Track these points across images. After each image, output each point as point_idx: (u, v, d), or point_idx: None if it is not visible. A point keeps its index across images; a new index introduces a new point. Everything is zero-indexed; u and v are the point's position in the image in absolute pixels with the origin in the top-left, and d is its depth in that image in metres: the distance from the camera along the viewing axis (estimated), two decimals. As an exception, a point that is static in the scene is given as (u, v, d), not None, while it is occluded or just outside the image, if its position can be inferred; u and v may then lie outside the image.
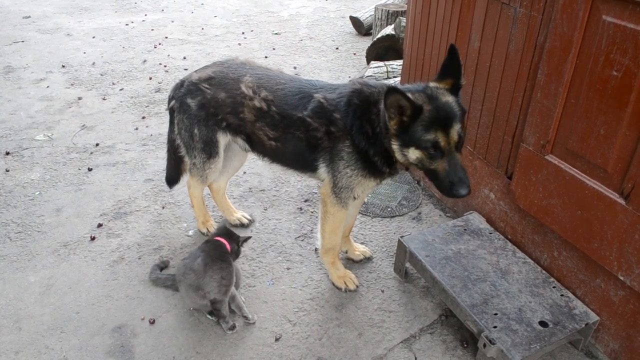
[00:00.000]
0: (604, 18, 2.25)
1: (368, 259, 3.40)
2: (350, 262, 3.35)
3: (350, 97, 2.64)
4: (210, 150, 3.07)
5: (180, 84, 3.06)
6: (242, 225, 3.63)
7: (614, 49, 2.23)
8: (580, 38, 2.39)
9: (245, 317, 2.89)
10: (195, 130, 3.02)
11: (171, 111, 3.14)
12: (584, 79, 2.40)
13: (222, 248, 2.86)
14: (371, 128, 2.57)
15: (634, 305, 2.44)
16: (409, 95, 2.27)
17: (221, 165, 3.20)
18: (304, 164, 2.88)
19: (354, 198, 2.85)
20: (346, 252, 3.40)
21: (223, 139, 3.05)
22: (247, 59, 3.16)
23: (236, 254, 2.94)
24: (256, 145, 3.00)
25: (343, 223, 2.99)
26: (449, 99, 2.38)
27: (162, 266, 3.23)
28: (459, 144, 2.38)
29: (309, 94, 2.77)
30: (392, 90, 2.23)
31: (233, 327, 2.83)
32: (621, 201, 2.33)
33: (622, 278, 2.42)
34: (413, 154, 2.41)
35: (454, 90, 2.42)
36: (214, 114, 2.95)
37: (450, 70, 2.42)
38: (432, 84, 2.45)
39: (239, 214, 3.67)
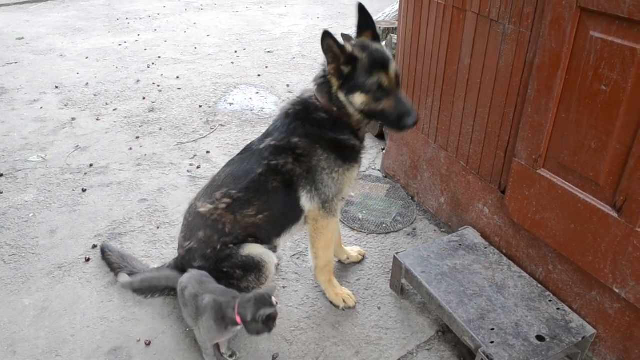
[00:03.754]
0: (592, 34, 2.28)
1: (364, 257, 3.54)
2: (345, 279, 3.34)
3: (289, 111, 2.80)
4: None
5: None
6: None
7: (602, 64, 2.26)
8: (568, 54, 2.42)
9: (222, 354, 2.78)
10: None
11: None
12: (574, 94, 2.43)
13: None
14: (318, 111, 2.70)
15: (630, 318, 2.45)
16: (346, 46, 2.51)
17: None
18: (296, 209, 2.87)
19: (343, 199, 2.92)
20: (347, 259, 3.45)
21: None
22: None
23: (248, 327, 2.47)
24: (262, 233, 2.88)
25: (336, 233, 2.99)
26: (377, 45, 2.60)
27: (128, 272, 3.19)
28: (398, 81, 2.60)
29: (252, 150, 2.89)
30: (326, 34, 2.41)
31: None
32: (614, 214, 2.35)
33: (617, 290, 2.43)
34: (359, 98, 2.58)
35: (375, 40, 2.65)
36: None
37: (365, 25, 2.66)
38: (355, 37, 2.68)
39: None
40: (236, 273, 2.79)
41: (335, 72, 2.56)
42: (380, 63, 2.53)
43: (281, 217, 2.88)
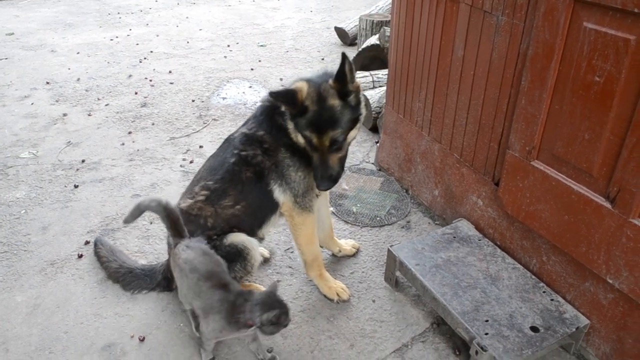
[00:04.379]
0: (585, 25, 2.28)
1: (358, 251, 3.53)
2: (339, 272, 3.34)
3: (263, 107, 2.85)
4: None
5: None
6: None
7: (595, 54, 2.25)
8: (562, 45, 2.41)
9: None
10: None
11: None
12: (567, 85, 2.42)
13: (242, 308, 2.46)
14: (283, 120, 2.73)
15: (624, 308, 2.46)
16: (301, 94, 2.54)
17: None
18: (271, 199, 2.88)
19: (317, 196, 2.93)
20: (339, 252, 3.45)
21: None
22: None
23: (262, 330, 2.42)
24: (244, 224, 2.89)
25: (315, 228, 3.01)
26: (334, 103, 2.56)
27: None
28: (332, 146, 2.61)
29: (229, 140, 2.96)
30: (292, 90, 2.54)
31: None
32: (607, 205, 2.35)
33: (610, 281, 2.43)
34: (300, 139, 2.67)
35: (344, 94, 2.57)
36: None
37: (340, 76, 2.54)
38: (330, 81, 2.58)
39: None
40: None
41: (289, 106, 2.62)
42: (319, 125, 2.56)
43: (259, 207, 2.90)
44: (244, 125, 2.95)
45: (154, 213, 2.68)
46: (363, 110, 2.69)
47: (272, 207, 2.92)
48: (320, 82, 2.59)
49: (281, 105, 2.65)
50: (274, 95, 2.51)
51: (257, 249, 2.91)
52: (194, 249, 2.61)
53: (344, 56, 2.49)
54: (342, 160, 2.74)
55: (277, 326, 2.41)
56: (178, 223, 2.67)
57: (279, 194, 2.86)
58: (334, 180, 2.70)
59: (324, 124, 2.56)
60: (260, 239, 3.02)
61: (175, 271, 2.69)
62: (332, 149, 2.63)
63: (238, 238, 2.83)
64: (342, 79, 2.53)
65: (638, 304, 2.35)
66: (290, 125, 2.69)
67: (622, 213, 2.29)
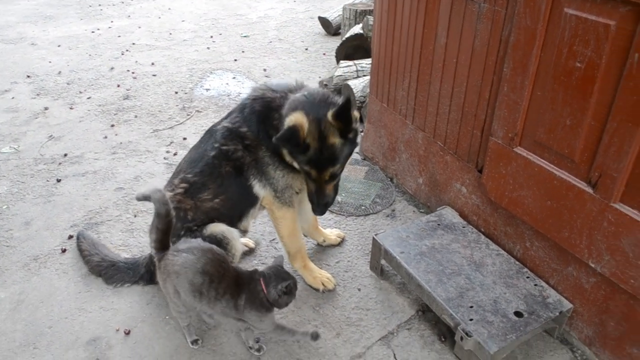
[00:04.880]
0: (566, 11, 2.28)
1: (343, 240, 3.54)
2: (325, 262, 3.34)
3: (252, 104, 2.77)
4: None
5: None
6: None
7: (576, 40, 2.26)
8: (543, 31, 2.42)
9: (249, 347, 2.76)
10: None
11: None
12: (549, 71, 2.43)
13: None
14: (275, 132, 2.63)
15: (605, 292, 2.48)
16: (302, 132, 2.48)
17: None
18: (250, 194, 2.88)
19: (297, 193, 2.93)
20: (324, 242, 3.46)
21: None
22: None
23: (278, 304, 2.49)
24: (224, 217, 2.88)
25: (296, 221, 3.02)
26: (336, 141, 2.55)
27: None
28: (331, 179, 2.68)
29: (211, 131, 2.93)
30: (293, 128, 2.46)
31: (314, 335, 2.63)
32: (589, 190, 2.37)
33: (592, 265, 2.46)
34: (297, 165, 2.70)
35: (345, 132, 2.55)
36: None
37: (343, 116, 2.50)
38: (329, 116, 2.51)
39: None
40: None
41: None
42: (320, 163, 2.59)
43: (238, 201, 2.89)
44: (227, 117, 2.92)
45: (157, 209, 2.49)
46: (360, 139, 2.66)
47: (251, 201, 2.91)
48: (320, 117, 2.52)
49: (287, 149, 2.64)
50: (281, 141, 2.49)
51: (238, 239, 2.89)
52: (188, 250, 2.48)
53: (347, 92, 2.45)
54: (337, 186, 2.79)
55: (290, 296, 2.47)
56: (169, 232, 2.56)
57: (259, 189, 2.86)
58: (329, 205, 2.79)
59: (324, 162, 2.59)
60: (242, 232, 3.01)
61: (168, 282, 2.52)
62: (329, 181, 2.68)
63: (218, 228, 2.81)
64: (345, 119, 2.50)
65: (619, 287, 2.37)
66: (286, 153, 2.70)
67: (603, 198, 2.31)
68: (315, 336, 2.61)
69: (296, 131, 2.46)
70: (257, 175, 2.82)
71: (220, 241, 2.79)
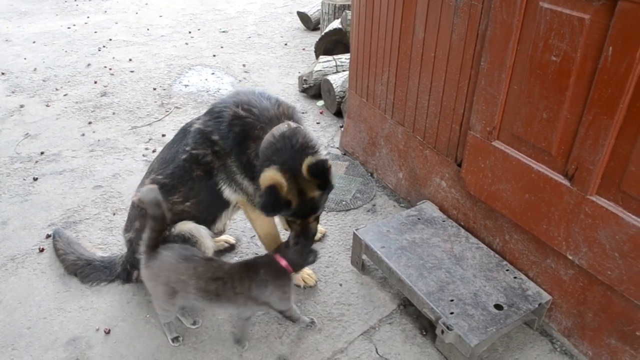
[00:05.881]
0: (541, 5, 2.30)
1: (324, 235, 3.54)
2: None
3: (232, 122, 2.65)
4: None
5: None
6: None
7: (552, 34, 2.28)
8: (519, 25, 2.43)
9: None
10: None
11: None
12: (525, 65, 2.45)
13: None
14: (247, 159, 2.64)
15: (583, 283, 2.52)
16: (282, 191, 2.42)
17: None
18: (222, 197, 2.83)
19: None
20: None
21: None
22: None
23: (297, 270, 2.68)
24: (196, 220, 2.85)
25: (272, 220, 2.99)
26: (315, 194, 2.51)
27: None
28: (314, 220, 2.70)
29: (185, 131, 2.84)
30: (273, 188, 2.41)
31: (313, 323, 2.86)
32: (566, 182, 2.40)
33: (570, 257, 2.49)
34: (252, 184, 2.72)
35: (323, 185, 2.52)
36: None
37: (319, 176, 2.47)
38: (304, 172, 2.43)
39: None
40: None
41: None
42: (304, 214, 2.59)
43: (210, 205, 2.85)
44: (202, 116, 2.83)
45: (150, 210, 2.47)
46: (335, 180, 2.65)
47: (223, 204, 2.87)
48: (296, 172, 2.44)
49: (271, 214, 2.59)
50: (265, 208, 2.43)
51: (207, 236, 2.84)
52: (189, 259, 2.55)
53: (321, 162, 2.46)
54: (319, 217, 2.78)
55: (312, 253, 2.66)
56: (163, 232, 2.58)
57: (230, 194, 2.81)
58: (315, 236, 2.77)
59: (307, 213, 2.59)
60: (216, 234, 3.00)
61: (159, 282, 2.54)
62: (312, 221, 2.69)
63: (185, 227, 2.78)
64: (321, 178, 2.47)
65: (597, 278, 2.41)
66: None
67: (580, 190, 2.33)
68: (312, 324, 2.83)
69: (277, 192, 2.40)
70: (226, 181, 2.77)
71: (188, 240, 2.77)
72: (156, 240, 2.52)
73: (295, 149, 2.47)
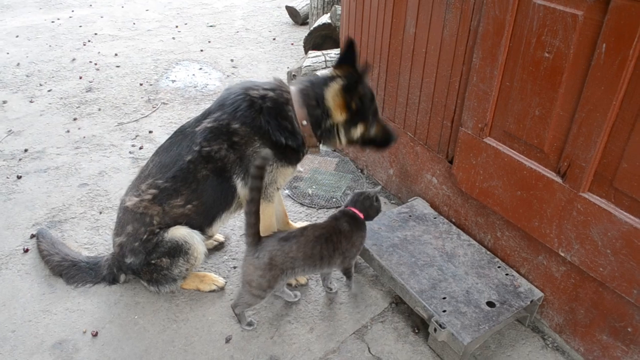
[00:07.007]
0: (534, 1, 2.28)
1: None
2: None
3: (255, 104, 2.67)
4: None
5: None
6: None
7: (544, 31, 2.26)
8: (512, 21, 2.41)
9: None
10: None
11: None
12: (518, 62, 2.43)
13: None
14: (290, 124, 2.68)
15: (575, 280, 2.51)
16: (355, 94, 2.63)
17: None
18: (227, 196, 2.81)
19: (278, 189, 2.88)
20: None
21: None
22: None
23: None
24: (193, 223, 2.84)
25: (273, 217, 2.97)
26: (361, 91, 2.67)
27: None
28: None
29: (185, 133, 2.80)
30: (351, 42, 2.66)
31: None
32: (558, 179, 2.39)
33: (562, 254, 2.48)
34: (359, 129, 2.75)
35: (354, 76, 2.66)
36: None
37: (350, 59, 2.69)
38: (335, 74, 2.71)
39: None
40: (163, 261, 2.79)
41: (342, 108, 2.67)
42: (372, 94, 2.73)
43: (212, 205, 2.82)
44: (205, 117, 2.76)
45: (246, 208, 2.59)
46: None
47: (226, 204, 2.84)
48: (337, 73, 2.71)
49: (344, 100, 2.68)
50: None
51: (200, 242, 2.83)
52: (289, 239, 2.69)
53: (351, 42, 2.68)
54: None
55: (379, 203, 2.81)
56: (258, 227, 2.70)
57: (242, 188, 2.78)
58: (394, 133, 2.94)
59: (372, 90, 2.78)
60: (208, 236, 2.97)
61: (270, 271, 2.61)
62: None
63: (179, 232, 2.76)
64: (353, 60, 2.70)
65: (589, 275, 2.40)
66: (343, 128, 2.75)
67: (572, 187, 2.32)
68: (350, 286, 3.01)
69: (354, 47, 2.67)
70: (240, 174, 2.73)
71: (181, 246, 2.76)
72: (258, 233, 2.60)
73: (320, 80, 2.72)
